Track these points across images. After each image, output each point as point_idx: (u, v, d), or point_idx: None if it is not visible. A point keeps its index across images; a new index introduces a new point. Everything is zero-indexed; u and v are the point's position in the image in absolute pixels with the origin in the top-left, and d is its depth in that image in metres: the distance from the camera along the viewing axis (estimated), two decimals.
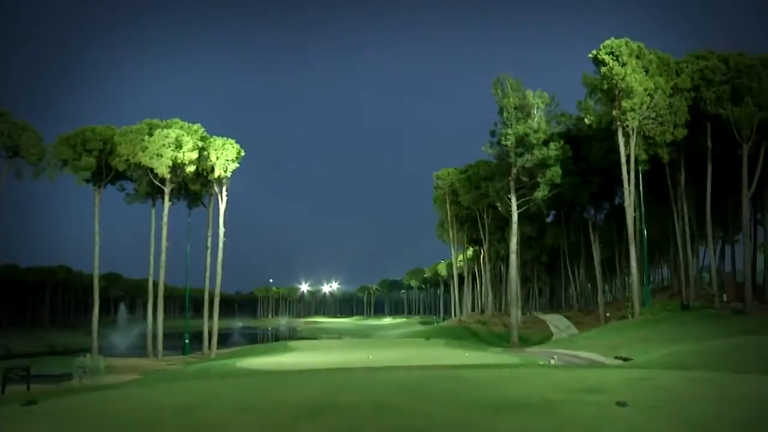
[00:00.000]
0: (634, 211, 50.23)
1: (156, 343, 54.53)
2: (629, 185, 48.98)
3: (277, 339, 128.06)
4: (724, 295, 52.33)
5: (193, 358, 55.40)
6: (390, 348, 43.54)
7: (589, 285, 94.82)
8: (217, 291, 56.88)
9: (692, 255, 58.84)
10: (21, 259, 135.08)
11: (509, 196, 58.79)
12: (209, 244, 57.57)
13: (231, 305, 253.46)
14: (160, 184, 53.73)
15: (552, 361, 29.61)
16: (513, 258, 60.39)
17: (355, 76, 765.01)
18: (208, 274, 58.38)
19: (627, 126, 47.48)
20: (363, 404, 11.23)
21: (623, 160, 48.55)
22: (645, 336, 37.02)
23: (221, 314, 59.95)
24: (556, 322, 74.58)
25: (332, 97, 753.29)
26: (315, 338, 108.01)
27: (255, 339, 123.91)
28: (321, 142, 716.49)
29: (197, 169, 54.45)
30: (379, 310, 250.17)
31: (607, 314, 64.50)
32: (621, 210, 62.24)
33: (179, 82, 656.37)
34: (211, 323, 56.86)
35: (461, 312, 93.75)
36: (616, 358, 32.72)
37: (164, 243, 54.62)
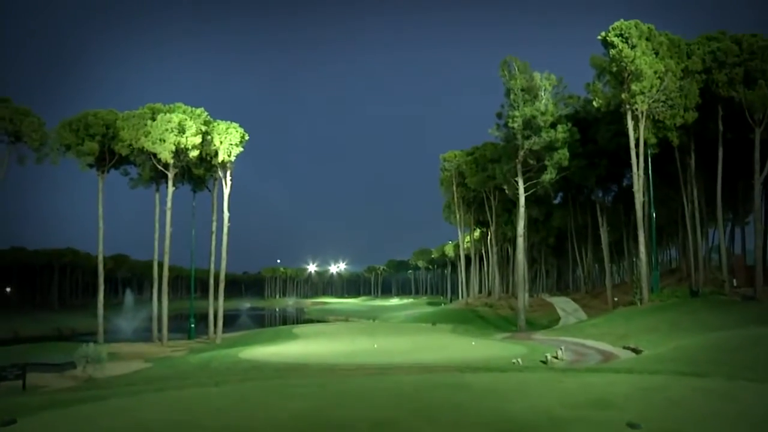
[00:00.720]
0: (643, 196, 49.39)
1: (161, 327, 54.23)
2: (638, 170, 48.09)
3: (285, 321, 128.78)
4: (734, 280, 51.69)
5: (198, 342, 55.28)
6: (396, 335, 43.15)
7: (596, 266, 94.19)
8: (222, 276, 56.51)
9: (702, 239, 58.07)
10: (29, 242, 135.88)
11: (516, 179, 58.18)
12: (214, 228, 57.34)
13: (238, 286, 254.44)
14: (163, 169, 53.20)
15: (559, 352, 29.15)
16: (520, 242, 59.88)
17: (357, 69, 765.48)
18: (213, 258, 58.20)
19: (636, 109, 46.46)
20: (361, 422, 10.74)
21: (632, 144, 47.61)
22: (653, 324, 36.48)
23: (229, 295, 59.97)
24: (563, 305, 74.16)
25: (343, 83, 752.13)
26: (322, 320, 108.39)
27: (262, 321, 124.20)
28: (328, 127, 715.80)
29: (201, 153, 53.93)
30: (386, 290, 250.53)
31: (615, 298, 63.94)
32: (629, 192, 61.43)
33: (182, 71, 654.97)
34: (216, 304, 56.51)
35: (468, 294, 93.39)
36: (624, 348, 32.30)
37: (168, 229, 54.21)
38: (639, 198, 48.14)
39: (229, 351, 35.68)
